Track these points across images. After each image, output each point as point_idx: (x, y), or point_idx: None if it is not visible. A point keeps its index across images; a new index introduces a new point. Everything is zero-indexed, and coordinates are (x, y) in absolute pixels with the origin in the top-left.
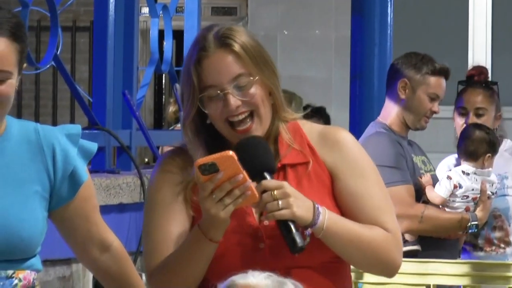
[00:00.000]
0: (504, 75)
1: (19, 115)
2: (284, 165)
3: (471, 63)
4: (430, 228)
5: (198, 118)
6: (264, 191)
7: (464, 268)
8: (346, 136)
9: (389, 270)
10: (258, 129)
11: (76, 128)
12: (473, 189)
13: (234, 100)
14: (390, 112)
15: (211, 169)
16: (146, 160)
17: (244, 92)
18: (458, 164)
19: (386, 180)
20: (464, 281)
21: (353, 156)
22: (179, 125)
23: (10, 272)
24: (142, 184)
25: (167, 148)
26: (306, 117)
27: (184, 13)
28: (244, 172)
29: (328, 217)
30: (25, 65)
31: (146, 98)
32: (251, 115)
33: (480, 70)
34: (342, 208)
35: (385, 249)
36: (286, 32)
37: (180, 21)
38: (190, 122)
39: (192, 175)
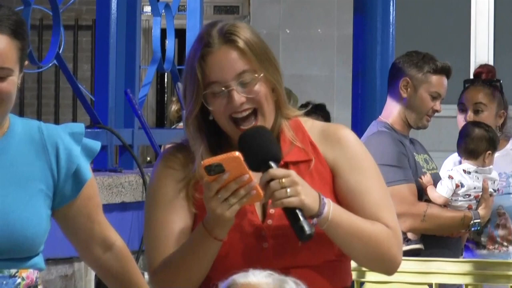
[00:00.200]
0: (506, 74)
1: (21, 113)
2: (286, 163)
3: (473, 62)
4: (432, 226)
5: (200, 115)
6: (271, 179)
7: (466, 267)
8: (347, 133)
9: (389, 266)
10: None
11: (80, 127)
12: (475, 188)
13: (239, 97)
14: (391, 111)
15: (217, 169)
16: (148, 158)
17: (248, 89)
18: None
19: (388, 179)
20: (466, 279)
21: (354, 153)
22: (181, 124)
23: (13, 271)
24: (144, 182)
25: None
26: (307, 114)
27: (186, 11)
28: (250, 172)
29: (333, 208)
30: (26, 63)
31: (148, 97)
32: (255, 112)
33: (488, 68)
34: (343, 205)
35: (386, 244)
36: (288, 31)
37: (182, 19)
38: (193, 118)
39: (193, 172)
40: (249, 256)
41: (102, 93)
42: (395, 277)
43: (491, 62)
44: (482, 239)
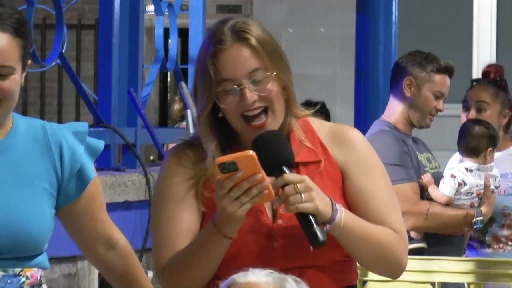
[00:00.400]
0: (509, 73)
1: (24, 113)
2: (296, 163)
3: (475, 61)
4: (435, 225)
5: (211, 112)
6: (285, 184)
7: (469, 266)
8: (357, 135)
9: (396, 270)
10: (273, 124)
11: (83, 126)
12: (477, 185)
13: (251, 95)
14: (394, 110)
15: (231, 167)
16: (151, 158)
17: (260, 87)
18: None
19: (391, 178)
20: (469, 278)
21: (363, 155)
22: (184, 123)
23: (17, 270)
24: (148, 181)
25: (172, 146)
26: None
27: (189, 11)
28: (263, 171)
29: (345, 214)
30: (29, 62)
31: (151, 96)
32: (265, 110)
33: (496, 68)
34: (351, 206)
35: (395, 250)
36: (291, 30)
37: (185, 19)
38: (205, 116)
39: (203, 170)
40: (259, 255)
41: (105, 92)
42: None
43: (493, 61)
44: (487, 238)
